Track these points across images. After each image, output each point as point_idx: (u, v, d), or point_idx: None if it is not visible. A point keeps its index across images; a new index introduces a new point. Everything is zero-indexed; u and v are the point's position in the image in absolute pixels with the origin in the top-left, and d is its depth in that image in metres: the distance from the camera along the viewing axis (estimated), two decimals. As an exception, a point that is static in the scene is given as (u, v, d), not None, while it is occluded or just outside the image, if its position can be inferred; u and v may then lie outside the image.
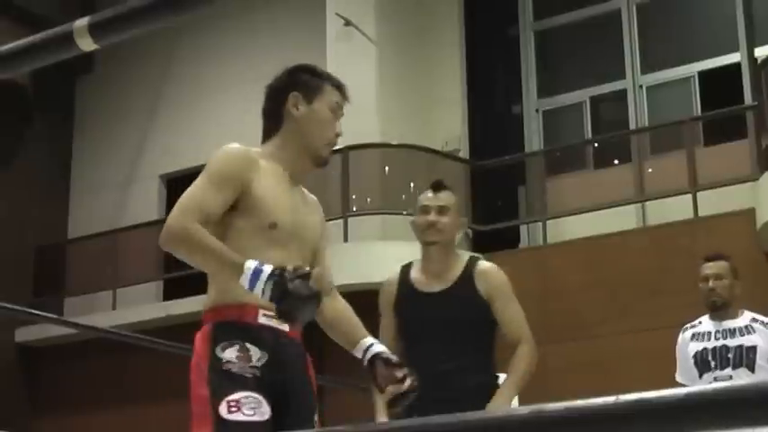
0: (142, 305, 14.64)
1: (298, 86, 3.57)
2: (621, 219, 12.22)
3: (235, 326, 3.36)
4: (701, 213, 11.40)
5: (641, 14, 13.82)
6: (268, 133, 3.61)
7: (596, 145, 13.88)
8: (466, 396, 4.51)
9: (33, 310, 8.41)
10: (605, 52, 14.06)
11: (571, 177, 13.50)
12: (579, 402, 1.60)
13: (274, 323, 3.37)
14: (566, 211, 12.79)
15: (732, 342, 6.15)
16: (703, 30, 13.56)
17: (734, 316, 6.26)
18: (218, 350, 3.31)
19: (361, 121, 12.49)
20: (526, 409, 1.63)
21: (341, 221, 12.33)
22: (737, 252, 10.75)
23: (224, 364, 3.28)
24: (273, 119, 3.60)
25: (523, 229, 13.53)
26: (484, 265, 4.86)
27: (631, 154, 12.97)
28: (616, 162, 13.56)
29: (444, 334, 4.69)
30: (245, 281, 3.20)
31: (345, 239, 12.39)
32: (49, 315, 8.44)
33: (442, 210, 4.80)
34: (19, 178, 16.26)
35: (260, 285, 3.18)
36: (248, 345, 3.33)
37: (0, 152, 16.25)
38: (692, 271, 10.19)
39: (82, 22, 2.31)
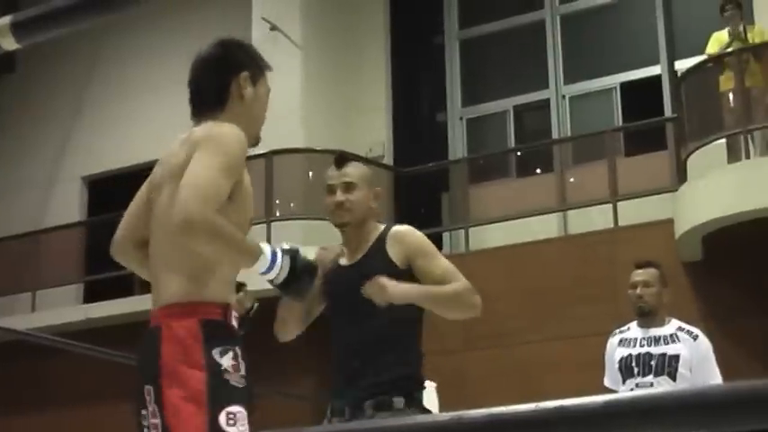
0: (62, 308, 14.47)
1: (246, 67, 3.49)
2: (543, 227, 12.32)
3: (223, 327, 3.19)
4: (621, 223, 11.52)
5: (565, 26, 13.95)
6: (208, 109, 3.42)
7: (519, 154, 13.99)
8: (372, 378, 4.14)
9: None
10: (529, 62, 14.17)
11: (494, 185, 13.57)
12: (500, 409, 1.61)
13: (236, 324, 3.28)
14: (488, 218, 12.84)
15: (656, 350, 6.20)
16: (625, 42, 13.73)
17: (661, 324, 6.31)
18: (215, 354, 3.13)
19: (286, 125, 12.47)
20: (446, 416, 1.63)
21: (264, 226, 12.29)
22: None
23: (224, 373, 3.12)
24: (216, 96, 3.42)
25: (446, 236, 13.58)
26: (397, 228, 4.43)
27: (554, 163, 13.07)
28: (539, 171, 13.68)
29: (356, 308, 4.22)
30: (263, 265, 3.24)
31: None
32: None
33: (348, 186, 4.37)
34: (-63, 178, 16.03)
35: (277, 267, 3.26)
36: (238, 350, 3.18)
37: None
38: (612, 280, 10.35)
39: (4, 20, 2.28)
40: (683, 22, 13.25)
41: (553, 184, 12.71)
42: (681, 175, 11.22)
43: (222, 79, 3.45)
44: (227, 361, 3.14)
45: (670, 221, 10.77)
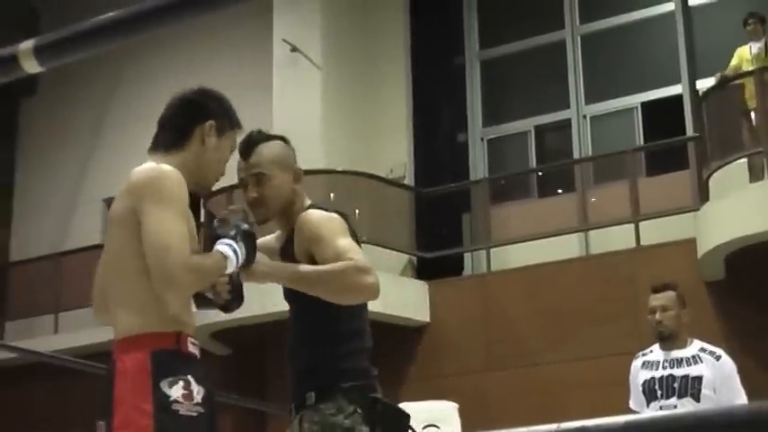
0: (84, 329, 14.50)
1: (216, 116, 3.52)
2: (565, 247, 12.29)
3: (175, 356, 3.23)
4: (643, 243, 11.49)
5: (586, 45, 13.94)
6: (166, 145, 3.50)
7: (540, 174, 13.97)
8: (297, 374, 3.91)
9: (-28, 334, 8.31)
10: (550, 82, 14.16)
11: (515, 206, 13.56)
12: (521, 429, 1.61)
13: (196, 350, 3.32)
14: (510, 239, 12.82)
15: (678, 372, 6.18)
16: (646, 61, 13.71)
17: (682, 345, 6.28)
18: (164, 386, 3.16)
19: (307, 146, 12.44)
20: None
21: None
22: (678, 281, 10.85)
23: (173, 404, 3.15)
24: (180, 134, 3.50)
25: (467, 256, 13.57)
26: (302, 217, 3.88)
27: (575, 183, 13.06)
28: (560, 191, 13.65)
29: (290, 307, 3.98)
30: (231, 265, 3.34)
31: (290, 265, 12.35)
32: (-11, 339, 8.35)
33: (259, 179, 3.88)
34: (-40, 200, 16.11)
35: (241, 257, 3.39)
36: (190, 378, 3.21)
37: (-59, 174, 16.10)
38: (634, 300, 10.33)
39: (27, 44, 2.30)
40: (705, 41, 13.23)
41: (574, 204, 12.69)
42: (703, 195, 11.20)
43: (188, 121, 3.52)
44: (176, 391, 3.17)
45: (692, 241, 10.75)
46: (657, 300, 6.35)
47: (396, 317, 11.80)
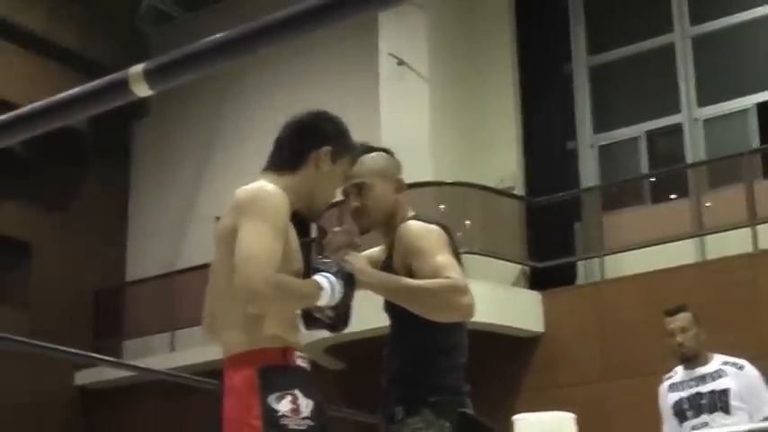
0: (200, 347, 14.67)
1: (333, 142, 3.52)
2: (680, 253, 12.11)
3: (282, 371, 3.26)
4: (760, 246, 11.28)
5: (696, 47, 13.74)
6: (279, 166, 3.49)
7: (653, 179, 13.79)
8: (389, 386, 3.86)
9: (92, 353, 8.45)
10: (660, 86, 13.98)
11: (628, 212, 13.40)
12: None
13: (305, 363, 3.35)
14: (623, 246, 12.67)
15: (705, 388, 6.33)
16: (760, 61, 13.46)
17: (704, 362, 6.43)
18: (271, 401, 3.19)
19: (415, 159, 12.47)
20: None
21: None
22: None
23: (281, 419, 3.17)
24: (295, 157, 3.48)
25: (581, 265, 13.44)
26: (401, 228, 3.84)
27: (689, 188, 12.87)
28: (673, 196, 13.46)
29: (389, 318, 3.93)
30: (325, 297, 3.29)
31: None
32: (108, 358, 8.47)
33: (361, 188, 3.89)
34: (77, 222, 16.42)
35: (337, 293, 3.32)
36: (297, 392, 3.23)
37: (58, 196, 16.43)
38: (753, 304, 10.15)
39: (137, 68, 2.32)
40: (818, 38, 12.98)
41: (689, 210, 12.51)
42: (823, 196, 10.97)
43: (305, 144, 3.50)
44: (284, 406, 3.19)
45: (812, 244, 10.54)
46: (675, 322, 6.51)
47: (510, 327, 11.75)
